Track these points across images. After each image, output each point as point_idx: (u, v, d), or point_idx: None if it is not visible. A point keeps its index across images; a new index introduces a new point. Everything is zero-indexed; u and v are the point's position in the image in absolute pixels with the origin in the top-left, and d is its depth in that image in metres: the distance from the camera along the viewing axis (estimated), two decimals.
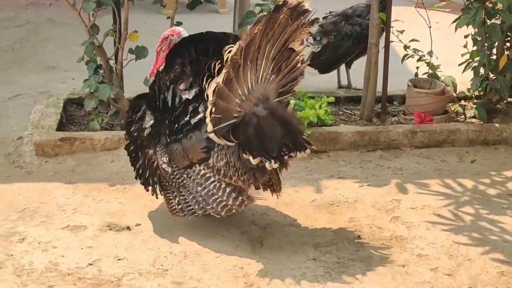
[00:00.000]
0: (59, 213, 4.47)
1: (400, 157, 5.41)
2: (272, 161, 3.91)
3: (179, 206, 4.09)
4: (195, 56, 4.14)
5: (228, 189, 4.01)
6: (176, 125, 4.07)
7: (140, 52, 5.41)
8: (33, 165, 5.13)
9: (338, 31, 6.29)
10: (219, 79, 3.84)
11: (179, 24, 5.16)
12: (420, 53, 5.95)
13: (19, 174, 5.02)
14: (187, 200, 4.06)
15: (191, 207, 4.06)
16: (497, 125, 5.65)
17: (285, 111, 4.05)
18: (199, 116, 4.01)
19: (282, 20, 3.81)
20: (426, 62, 5.96)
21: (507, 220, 4.52)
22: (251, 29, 3.81)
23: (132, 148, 4.31)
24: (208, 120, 3.90)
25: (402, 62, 6.07)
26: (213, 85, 3.86)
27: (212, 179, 4.02)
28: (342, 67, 6.47)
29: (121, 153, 5.18)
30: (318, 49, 6.34)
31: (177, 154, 4.08)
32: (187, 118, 4.04)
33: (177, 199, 4.11)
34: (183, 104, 4.06)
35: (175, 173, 4.10)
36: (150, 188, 4.25)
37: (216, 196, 4.01)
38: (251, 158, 3.92)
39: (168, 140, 4.11)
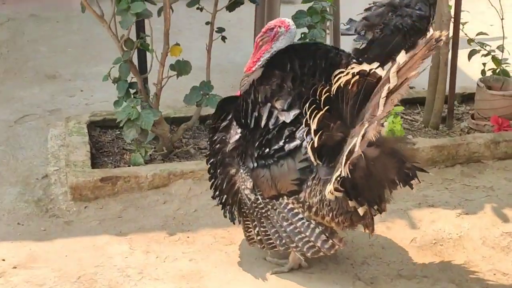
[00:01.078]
0: (124, 280, 3.71)
1: (484, 172, 4.79)
2: (377, 207, 3.41)
3: (258, 238, 3.64)
4: (299, 73, 3.55)
5: (317, 230, 3.50)
6: (267, 149, 3.49)
7: (182, 68, 4.62)
8: (70, 212, 4.33)
9: (386, 24, 5.53)
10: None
11: None
12: (488, 48, 5.27)
13: (57, 226, 4.21)
14: (268, 233, 3.60)
15: (271, 241, 3.60)
16: None
17: (395, 143, 3.41)
18: (295, 143, 3.43)
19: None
20: (492, 57, 5.30)
21: None
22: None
23: (212, 161, 3.78)
24: (333, 179, 3.26)
25: (469, 59, 5.38)
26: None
27: (301, 215, 3.51)
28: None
29: (173, 191, 4.46)
30: (363, 46, 5.61)
31: (264, 182, 3.53)
32: (281, 143, 3.45)
33: (256, 229, 3.64)
34: (278, 127, 3.47)
35: (258, 201, 3.58)
36: (228, 214, 3.78)
37: (303, 235, 3.51)
38: (357, 205, 3.33)
39: (256, 164, 3.53)
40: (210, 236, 4.10)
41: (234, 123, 3.68)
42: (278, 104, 3.48)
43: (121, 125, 4.46)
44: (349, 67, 3.34)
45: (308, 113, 3.33)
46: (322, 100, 3.31)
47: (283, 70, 3.56)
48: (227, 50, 5.54)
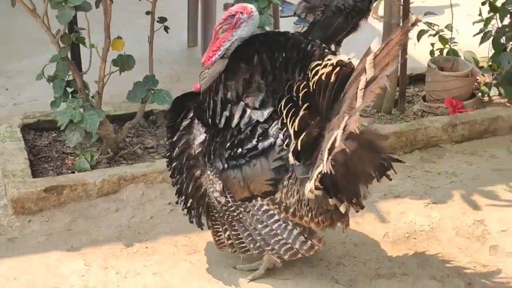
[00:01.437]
0: None
1: (443, 157, 4.66)
2: (357, 202, 3.21)
3: (229, 242, 3.41)
4: (269, 66, 3.24)
5: (295, 231, 3.26)
6: (239, 149, 3.20)
7: (125, 63, 4.26)
8: (13, 228, 3.92)
9: (327, 5, 5.30)
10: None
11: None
12: (436, 28, 5.13)
13: (0, 245, 3.79)
14: (240, 237, 3.36)
15: (244, 245, 3.36)
16: None
17: (370, 134, 3.19)
18: (268, 141, 3.15)
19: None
20: (440, 37, 5.17)
21: None
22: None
23: (174, 164, 3.46)
24: (315, 177, 2.99)
25: (418, 40, 5.21)
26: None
27: (277, 217, 3.26)
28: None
29: (124, 197, 4.14)
30: (305, 29, 5.39)
31: (235, 183, 3.26)
32: (254, 142, 3.17)
33: (227, 233, 3.39)
34: (251, 126, 3.18)
35: (229, 204, 3.32)
36: (194, 220, 3.48)
37: (280, 238, 3.27)
38: (337, 203, 3.13)
39: (226, 165, 3.25)
40: (171, 244, 3.80)
41: (197, 122, 3.39)
42: (249, 101, 3.20)
43: (62, 128, 4.08)
44: (326, 59, 3.08)
45: (285, 112, 3.06)
46: (301, 97, 3.04)
47: (250, 63, 3.27)
48: (160, 39, 5.19)
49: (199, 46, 5.97)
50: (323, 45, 3.33)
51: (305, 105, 3.02)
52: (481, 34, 5.20)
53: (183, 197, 3.45)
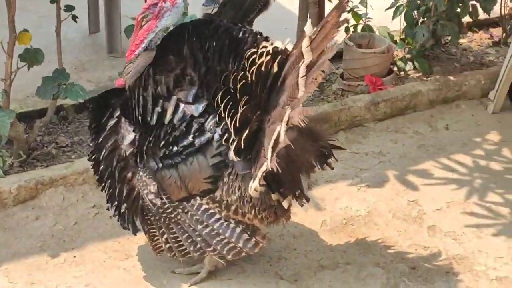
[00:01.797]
0: None
1: (368, 136, 4.59)
2: (302, 196, 3.06)
3: (167, 245, 3.20)
4: (201, 57, 3.02)
5: (238, 229, 3.09)
6: (175, 147, 2.99)
7: (33, 57, 3.93)
8: None
9: None
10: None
11: None
12: (350, 4, 5.02)
13: None
14: (179, 239, 3.15)
15: (183, 248, 3.17)
16: (452, 78, 5.00)
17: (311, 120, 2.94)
18: (205, 137, 2.95)
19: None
20: (353, 13, 5.07)
21: None
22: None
23: (102, 167, 3.23)
24: (259, 176, 2.81)
25: None
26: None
27: (218, 216, 3.07)
28: None
29: (44, 203, 3.85)
30: (215, 10, 5.15)
31: (171, 183, 3.05)
32: (190, 138, 2.97)
33: (165, 236, 3.18)
34: (186, 121, 2.96)
35: (165, 206, 3.11)
36: (128, 226, 3.24)
37: (222, 237, 3.09)
38: (280, 198, 2.99)
39: (160, 164, 3.04)
40: (100, 251, 3.56)
41: (124, 120, 3.15)
42: (181, 96, 2.98)
43: None
44: (261, 46, 2.89)
45: (222, 106, 2.87)
46: (238, 89, 2.85)
47: (180, 55, 3.05)
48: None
49: (103, 31, 5.62)
50: (254, 30, 3.15)
51: (245, 98, 2.84)
52: (393, 8, 5.13)
53: (115, 203, 3.21)
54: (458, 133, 4.63)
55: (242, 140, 2.83)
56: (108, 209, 3.27)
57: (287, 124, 2.67)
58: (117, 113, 3.16)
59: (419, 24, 5.11)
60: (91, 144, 3.36)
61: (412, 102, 4.78)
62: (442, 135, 4.61)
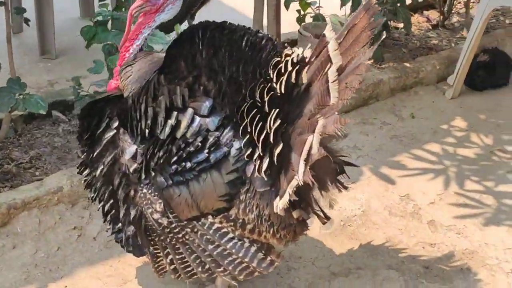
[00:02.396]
0: None
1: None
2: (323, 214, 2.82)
3: (171, 266, 2.91)
4: (217, 66, 2.72)
5: (253, 248, 2.81)
6: (188, 163, 2.67)
7: None
8: None
9: None
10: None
11: None
12: None
13: None
14: (185, 260, 2.87)
15: (190, 269, 2.89)
16: (409, 65, 4.95)
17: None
18: (221, 152, 2.66)
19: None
20: (301, 2, 4.90)
21: None
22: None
23: (99, 185, 2.88)
24: (289, 191, 2.56)
25: (287, 8, 4.88)
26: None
27: (231, 235, 2.79)
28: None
29: (18, 229, 3.41)
30: None
31: (181, 202, 2.73)
32: (205, 153, 2.66)
33: (169, 257, 2.89)
34: (202, 136, 2.66)
35: (172, 225, 2.79)
36: (134, 250, 2.91)
37: (235, 257, 2.82)
38: (305, 215, 2.76)
39: (170, 182, 2.72)
40: (93, 278, 3.24)
41: (122, 131, 2.81)
42: (196, 107, 2.67)
43: None
44: (284, 54, 2.65)
45: (248, 120, 2.60)
46: (267, 101, 2.60)
47: (192, 62, 2.75)
48: None
49: (28, 31, 5.13)
50: (268, 35, 2.88)
51: (275, 112, 2.58)
52: None
53: (119, 225, 2.87)
54: (425, 121, 4.57)
55: (276, 156, 2.58)
56: (107, 230, 2.95)
57: (320, 134, 2.46)
58: (115, 124, 2.81)
59: None
60: (81, 157, 2.95)
61: (375, 91, 4.68)
62: (410, 124, 4.54)
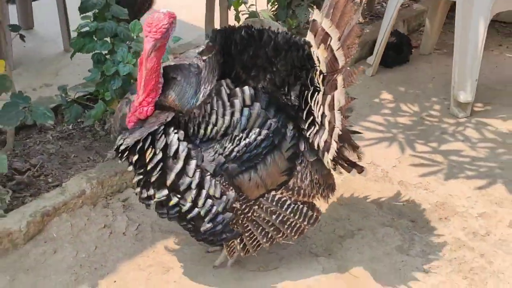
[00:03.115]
0: None
1: None
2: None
3: (240, 246, 3.15)
4: (263, 65, 2.98)
5: (304, 209, 3.18)
6: (258, 149, 2.95)
7: (2, 85, 3.47)
8: None
9: None
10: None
11: None
12: None
13: None
14: (253, 235, 3.13)
15: (256, 242, 3.16)
16: None
17: None
18: (281, 134, 3.00)
19: None
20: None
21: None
22: None
23: (196, 196, 2.93)
24: (334, 145, 2.99)
25: (229, 8, 5.06)
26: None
27: (288, 202, 3.13)
28: None
29: (54, 234, 3.47)
30: None
31: (252, 185, 3.00)
32: (270, 139, 2.97)
33: (240, 238, 3.14)
34: (267, 125, 2.95)
35: (243, 207, 3.03)
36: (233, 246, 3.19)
37: (292, 220, 3.16)
38: (348, 169, 3.15)
39: (243, 168, 2.95)
40: (136, 270, 3.33)
41: (182, 142, 2.88)
42: (259, 102, 2.92)
43: None
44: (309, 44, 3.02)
45: (313, 103, 2.98)
46: (324, 88, 2.97)
47: (244, 66, 2.98)
48: None
49: None
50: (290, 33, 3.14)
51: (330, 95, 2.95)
52: None
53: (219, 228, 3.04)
54: (359, 97, 4.90)
55: (328, 124, 2.96)
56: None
57: (343, 86, 2.89)
58: (175, 137, 2.88)
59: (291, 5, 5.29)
60: (153, 182, 2.90)
61: None
62: None
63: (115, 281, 3.25)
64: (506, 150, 4.42)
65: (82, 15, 3.94)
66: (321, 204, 3.29)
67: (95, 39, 3.90)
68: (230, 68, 2.97)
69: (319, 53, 2.98)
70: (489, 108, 4.92)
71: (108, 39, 3.94)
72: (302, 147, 3.05)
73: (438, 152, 4.38)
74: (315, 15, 3.04)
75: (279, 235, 3.14)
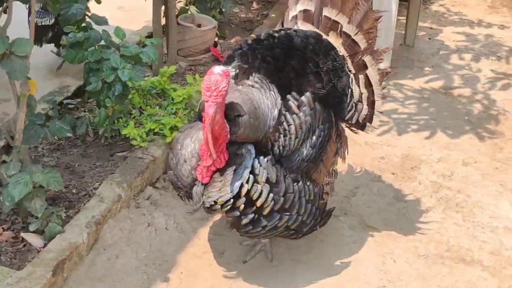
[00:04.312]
0: None
1: None
2: None
3: (309, 225, 3.10)
4: (305, 65, 3.00)
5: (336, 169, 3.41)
6: (321, 145, 3.04)
7: (33, 105, 3.25)
8: None
9: None
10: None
11: None
12: None
13: None
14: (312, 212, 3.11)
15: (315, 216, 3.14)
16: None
17: None
18: (330, 123, 3.10)
19: None
20: None
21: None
22: None
23: (297, 199, 2.96)
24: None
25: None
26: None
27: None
28: None
29: (109, 240, 3.34)
30: (52, 21, 4.58)
31: (322, 174, 3.13)
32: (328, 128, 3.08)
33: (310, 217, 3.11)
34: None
35: (319, 194, 3.12)
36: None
37: (333, 183, 3.36)
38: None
39: (316, 164, 3.05)
40: (193, 259, 3.34)
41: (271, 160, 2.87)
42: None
43: (17, 197, 2.98)
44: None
45: (359, 83, 3.16)
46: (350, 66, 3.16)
47: (298, 71, 2.99)
48: None
49: None
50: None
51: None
52: None
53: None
54: None
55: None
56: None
57: (372, 64, 3.15)
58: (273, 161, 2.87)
59: None
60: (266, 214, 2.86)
61: None
62: None
63: (181, 272, 3.23)
64: (428, 104, 4.92)
65: (67, 26, 3.74)
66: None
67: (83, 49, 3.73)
68: (278, 77, 2.95)
69: (332, 40, 3.14)
70: (397, 71, 5.38)
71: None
72: (340, 127, 3.21)
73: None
74: (304, 5, 3.19)
75: (328, 200, 3.27)
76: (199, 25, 5.01)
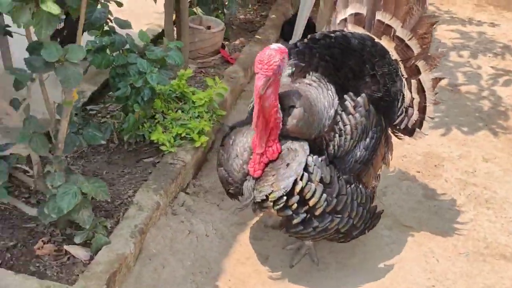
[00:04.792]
0: None
1: None
2: None
3: (359, 228, 2.99)
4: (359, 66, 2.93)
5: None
6: (375, 145, 2.96)
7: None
8: None
9: None
10: None
11: None
12: None
13: None
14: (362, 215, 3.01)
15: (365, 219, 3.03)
16: (259, 37, 5.32)
17: None
18: (381, 126, 3.01)
19: None
20: None
21: None
22: None
23: (350, 201, 2.85)
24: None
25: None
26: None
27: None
28: None
29: (153, 249, 3.18)
30: (61, 25, 4.36)
31: (372, 178, 3.06)
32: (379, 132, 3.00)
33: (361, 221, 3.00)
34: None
35: (366, 193, 3.00)
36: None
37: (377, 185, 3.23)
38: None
39: (368, 166, 2.97)
40: (238, 264, 3.22)
41: (320, 160, 2.73)
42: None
43: (66, 209, 2.79)
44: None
45: (412, 88, 3.13)
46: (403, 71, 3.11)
47: (354, 72, 2.91)
48: None
49: None
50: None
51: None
52: None
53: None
54: None
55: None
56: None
57: (426, 69, 3.10)
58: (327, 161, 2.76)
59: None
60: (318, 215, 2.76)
61: None
62: None
63: (229, 280, 3.09)
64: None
65: (90, 30, 3.55)
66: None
67: (108, 53, 3.55)
68: (336, 77, 2.88)
69: (385, 44, 3.06)
70: None
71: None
72: (389, 131, 3.13)
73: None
74: (356, 8, 3.10)
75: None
76: (208, 27, 4.84)
